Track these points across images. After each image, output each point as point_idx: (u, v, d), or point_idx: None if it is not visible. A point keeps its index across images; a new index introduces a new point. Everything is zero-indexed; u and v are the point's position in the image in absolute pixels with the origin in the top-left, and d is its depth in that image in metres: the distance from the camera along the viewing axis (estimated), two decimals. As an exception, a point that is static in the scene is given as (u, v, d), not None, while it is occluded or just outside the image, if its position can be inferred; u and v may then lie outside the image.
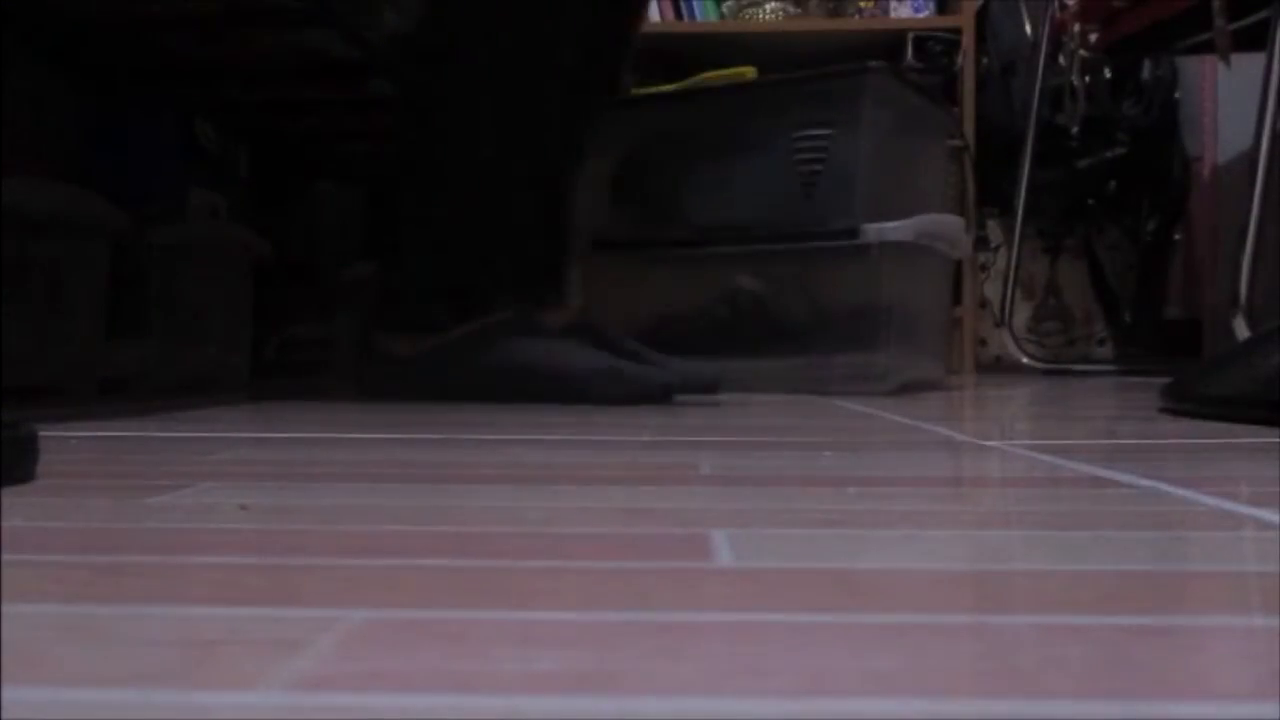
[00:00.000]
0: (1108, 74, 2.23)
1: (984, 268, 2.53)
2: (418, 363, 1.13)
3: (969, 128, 2.46)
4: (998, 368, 2.42)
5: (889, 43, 2.59)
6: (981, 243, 2.46)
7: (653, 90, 1.66)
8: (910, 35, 2.54)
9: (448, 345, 1.12)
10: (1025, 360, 2.25)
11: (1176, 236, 2.48)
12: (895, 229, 1.31)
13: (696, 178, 1.46)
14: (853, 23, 2.60)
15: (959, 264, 1.66)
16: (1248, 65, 1.64)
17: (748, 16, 2.51)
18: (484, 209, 1.14)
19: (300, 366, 1.68)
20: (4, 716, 0.17)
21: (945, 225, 1.42)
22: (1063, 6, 2.08)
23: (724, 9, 2.55)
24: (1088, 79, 2.14)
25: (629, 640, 0.21)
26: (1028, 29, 2.37)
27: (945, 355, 1.54)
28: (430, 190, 1.14)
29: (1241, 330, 1.44)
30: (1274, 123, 1.49)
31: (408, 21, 1.40)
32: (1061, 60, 2.10)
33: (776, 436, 0.70)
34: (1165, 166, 2.38)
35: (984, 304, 2.54)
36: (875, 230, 1.31)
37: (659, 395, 1.07)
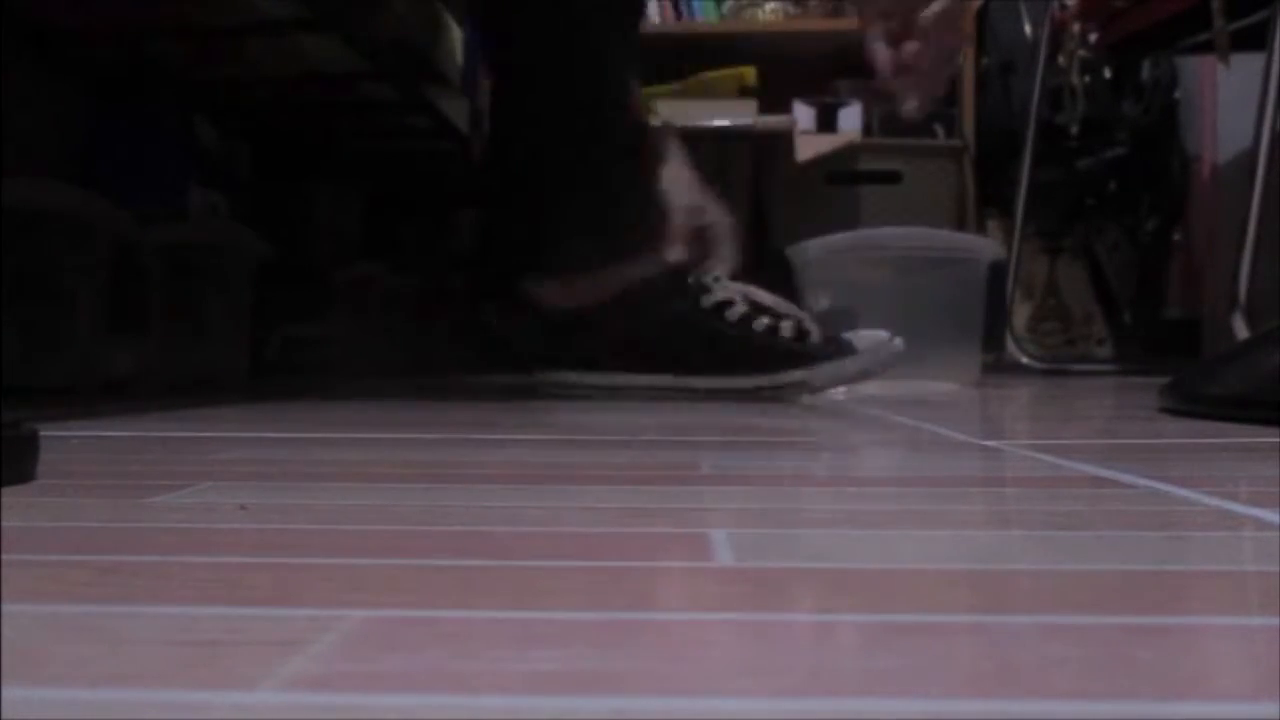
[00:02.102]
0: (1108, 74, 2.23)
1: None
2: (589, 313, 1.11)
3: (968, 128, 2.46)
4: (998, 368, 2.42)
5: (889, 43, 2.58)
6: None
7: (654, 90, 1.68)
8: (910, 35, 2.53)
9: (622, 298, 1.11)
10: (1025, 360, 2.25)
11: (1176, 236, 2.47)
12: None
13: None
14: (853, 23, 2.59)
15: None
16: (1248, 65, 1.64)
17: (748, 16, 2.51)
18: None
19: (300, 366, 1.68)
20: (4, 716, 0.17)
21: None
22: (1063, 6, 2.07)
23: (724, 9, 2.55)
24: (1088, 79, 2.14)
25: (629, 640, 0.21)
26: (1027, 29, 2.37)
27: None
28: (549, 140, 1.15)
29: (1241, 330, 1.44)
30: (1274, 123, 1.49)
31: (403, 26, 1.40)
32: (1061, 60, 2.10)
33: (776, 437, 0.70)
34: (1165, 166, 2.38)
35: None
36: None
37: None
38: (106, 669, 0.19)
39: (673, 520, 0.36)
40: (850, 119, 2.39)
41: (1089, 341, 2.64)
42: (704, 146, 1.94)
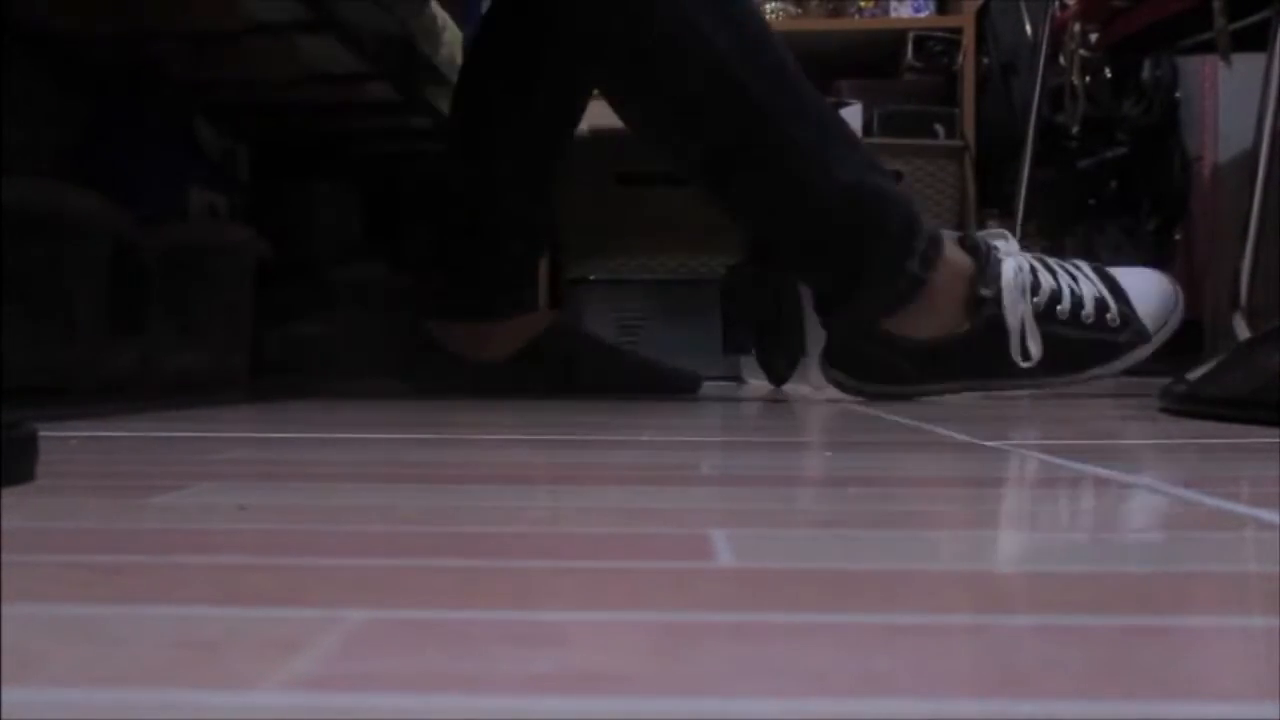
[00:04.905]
0: (1108, 74, 2.23)
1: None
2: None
3: (969, 128, 2.46)
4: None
5: (889, 42, 2.59)
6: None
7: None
8: (910, 35, 2.54)
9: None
10: (1025, 360, 2.25)
11: (1177, 236, 2.47)
12: None
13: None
14: (853, 23, 2.60)
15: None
16: (1248, 65, 1.64)
17: (748, 16, 2.50)
18: None
19: (300, 366, 1.68)
20: (4, 716, 0.16)
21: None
22: (1063, 6, 2.07)
23: (724, 9, 2.55)
24: (1088, 79, 2.14)
25: (629, 640, 0.21)
26: (1028, 29, 2.37)
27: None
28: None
29: (1241, 330, 1.44)
30: (1274, 123, 1.49)
31: (402, 25, 1.39)
32: (1061, 60, 2.10)
33: (776, 436, 0.70)
34: (1165, 166, 2.38)
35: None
36: None
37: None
38: (106, 669, 0.19)
39: (673, 520, 0.36)
40: (850, 119, 2.39)
41: (1089, 341, 2.64)
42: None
